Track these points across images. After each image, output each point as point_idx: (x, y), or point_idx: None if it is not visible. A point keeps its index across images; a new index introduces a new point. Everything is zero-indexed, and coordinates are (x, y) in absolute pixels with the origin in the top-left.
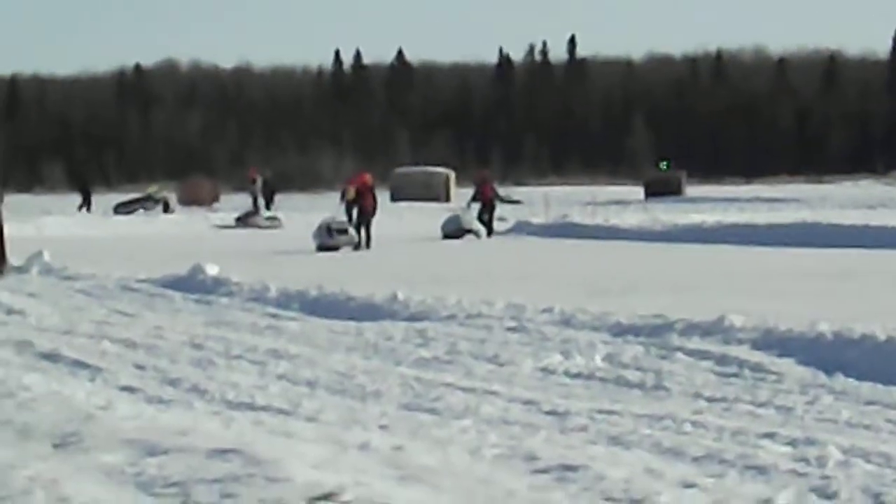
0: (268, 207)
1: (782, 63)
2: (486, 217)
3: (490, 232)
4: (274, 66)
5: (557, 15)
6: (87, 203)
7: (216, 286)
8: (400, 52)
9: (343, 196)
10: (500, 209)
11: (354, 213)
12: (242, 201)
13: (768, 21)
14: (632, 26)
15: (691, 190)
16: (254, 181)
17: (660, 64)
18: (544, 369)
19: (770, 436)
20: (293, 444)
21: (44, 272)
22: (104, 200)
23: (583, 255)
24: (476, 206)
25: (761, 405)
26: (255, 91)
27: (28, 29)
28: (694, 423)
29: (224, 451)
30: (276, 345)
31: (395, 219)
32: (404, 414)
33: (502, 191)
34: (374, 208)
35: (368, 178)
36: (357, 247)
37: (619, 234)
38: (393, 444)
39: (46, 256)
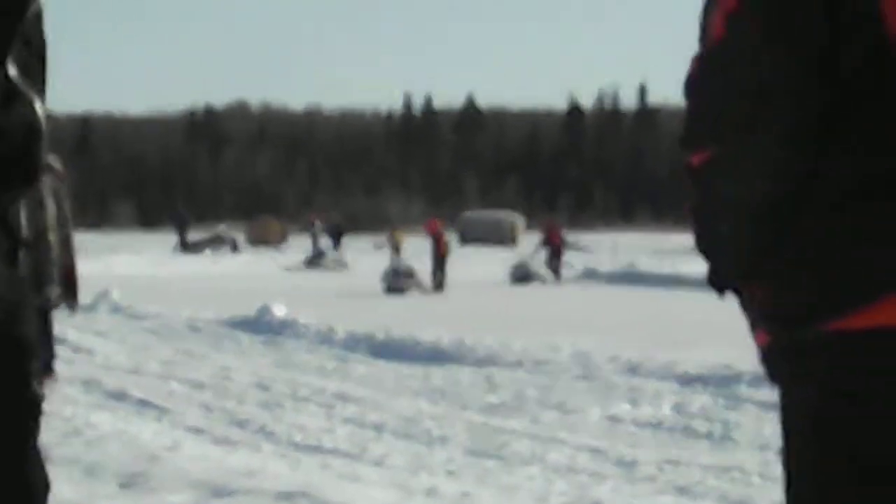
0: (335, 248)
1: None
2: (554, 264)
3: (558, 278)
4: (344, 109)
5: (629, 62)
6: (182, 240)
7: (283, 327)
8: (470, 97)
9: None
10: (568, 256)
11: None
12: (310, 242)
13: None
14: None
15: None
16: (313, 224)
17: None
18: (611, 418)
19: None
20: (360, 488)
21: (112, 310)
22: (173, 240)
23: (650, 303)
24: (544, 252)
25: None
26: (324, 133)
27: (101, 67)
28: (761, 476)
29: (291, 494)
30: (343, 387)
31: (462, 263)
32: (471, 460)
33: (570, 238)
34: (446, 251)
35: (437, 223)
36: (425, 290)
37: (686, 282)
38: (460, 491)
39: (115, 295)
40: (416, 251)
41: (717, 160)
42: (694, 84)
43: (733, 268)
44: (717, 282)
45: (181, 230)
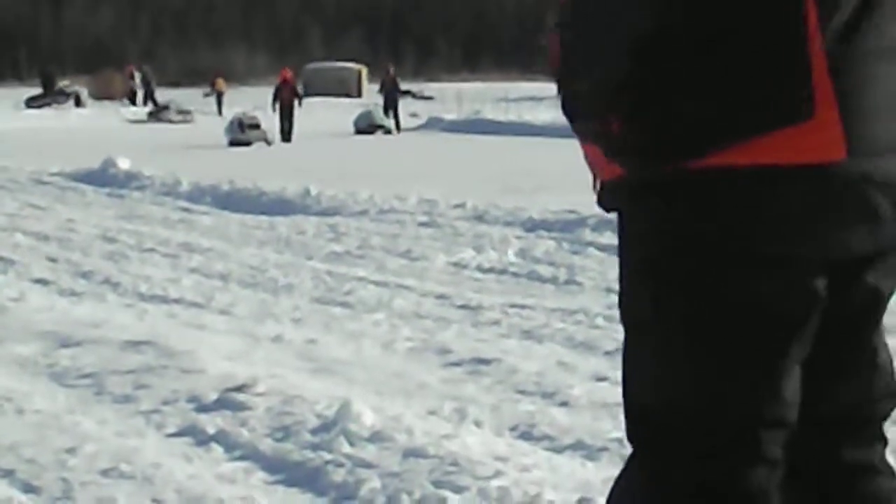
0: (147, 102)
1: None
2: (393, 111)
3: (398, 126)
4: None
5: None
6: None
7: (128, 180)
8: None
9: (275, 96)
10: (412, 105)
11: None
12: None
13: None
14: None
15: None
16: (132, 76)
17: None
18: (457, 264)
19: None
20: (206, 336)
21: None
22: (15, 94)
23: (495, 151)
24: (382, 100)
25: None
26: None
27: None
28: (606, 318)
29: (137, 343)
30: (188, 238)
31: (306, 114)
32: (317, 307)
33: (415, 87)
34: (292, 102)
35: (287, 74)
36: (269, 142)
37: (532, 130)
38: (306, 338)
39: None
40: (260, 103)
41: None
42: None
43: (595, 97)
44: (571, 109)
45: (45, 86)
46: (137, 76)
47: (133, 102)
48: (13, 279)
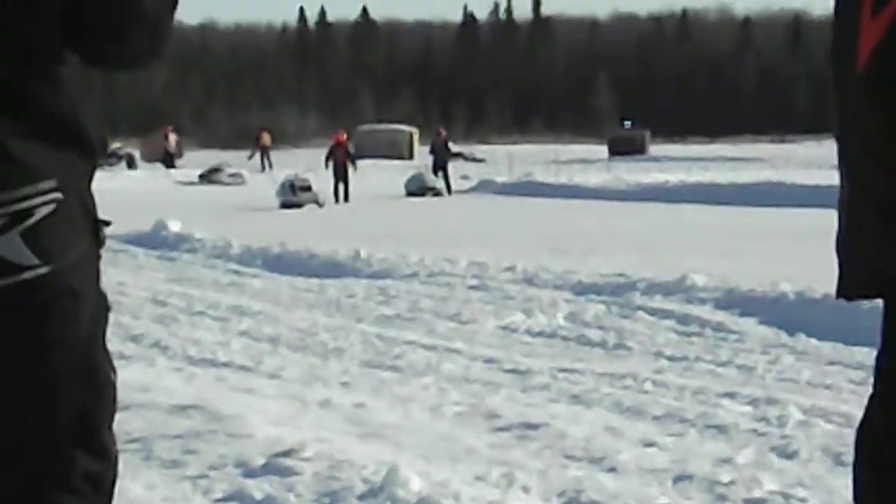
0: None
1: (747, 23)
2: (444, 173)
3: (448, 188)
4: (238, 23)
5: None
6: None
7: (179, 242)
8: (364, 10)
9: (328, 157)
10: (463, 167)
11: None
12: (207, 157)
13: None
14: None
15: (655, 149)
16: (167, 138)
17: (624, 23)
18: (506, 328)
19: (731, 395)
20: (255, 400)
21: None
22: None
23: (546, 213)
24: (432, 160)
25: (722, 364)
26: (219, 47)
27: None
28: (655, 382)
29: (185, 407)
30: (238, 301)
31: (358, 176)
32: (366, 371)
33: (465, 149)
34: (346, 164)
35: (341, 136)
36: (321, 204)
37: (582, 192)
38: (354, 402)
39: None
40: (312, 165)
41: None
42: None
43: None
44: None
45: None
46: (172, 138)
47: (167, 165)
48: None
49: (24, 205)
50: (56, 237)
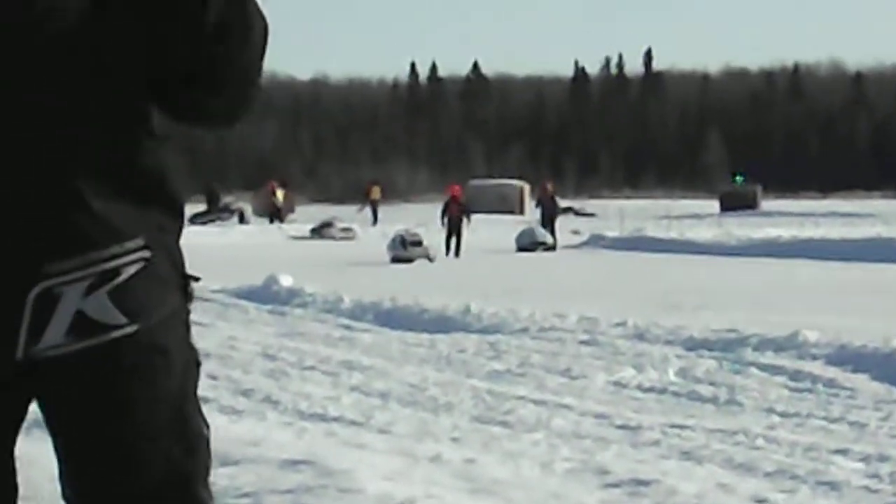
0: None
1: (859, 77)
2: (550, 226)
3: (555, 241)
4: (350, 78)
5: (634, 28)
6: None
7: (290, 297)
8: (476, 65)
9: (444, 211)
10: (574, 222)
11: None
12: (318, 212)
13: (845, 35)
14: (708, 40)
15: (766, 204)
16: (273, 193)
17: (736, 77)
18: (617, 383)
19: (843, 451)
20: (365, 455)
21: None
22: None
23: (657, 268)
24: (539, 213)
25: (834, 421)
26: (330, 102)
27: None
28: (766, 438)
29: (296, 462)
30: (349, 356)
31: (469, 231)
32: (476, 427)
33: (576, 203)
34: (461, 218)
35: (456, 190)
36: (432, 259)
37: (693, 248)
38: (464, 457)
39: None
40: (423, 219)
41: None
42: None
43: None
44: None
45: (209, 202)
46: (280, 193)
47: (273, 219)
48: None
49: (112, 264)
50: (144, 295)
